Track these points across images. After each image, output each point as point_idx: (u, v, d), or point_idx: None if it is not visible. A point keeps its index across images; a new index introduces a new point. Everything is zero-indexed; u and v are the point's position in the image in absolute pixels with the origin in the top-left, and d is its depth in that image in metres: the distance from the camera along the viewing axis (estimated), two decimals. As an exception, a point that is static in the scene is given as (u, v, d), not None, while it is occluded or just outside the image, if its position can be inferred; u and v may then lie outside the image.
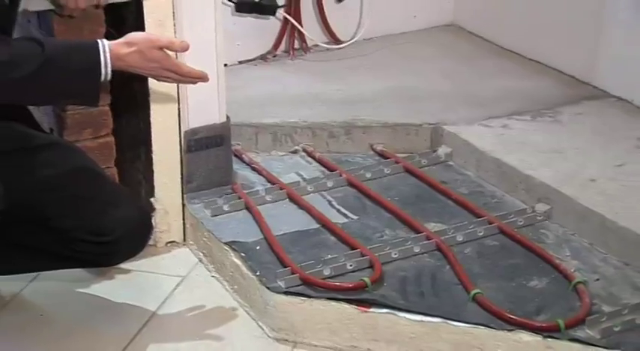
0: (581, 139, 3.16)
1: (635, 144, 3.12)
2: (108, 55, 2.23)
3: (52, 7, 2.48)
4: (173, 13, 2.72)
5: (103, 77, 2.24)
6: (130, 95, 2.80)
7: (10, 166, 2.12)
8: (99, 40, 2.26)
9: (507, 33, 3.98)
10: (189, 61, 2.72)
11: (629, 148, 3.10)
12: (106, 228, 2.40)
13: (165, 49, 2.31)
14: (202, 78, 2.40)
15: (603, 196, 2.79)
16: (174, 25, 2.73)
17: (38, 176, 2.33)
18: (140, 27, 2.68)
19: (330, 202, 2.97)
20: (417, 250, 2.68)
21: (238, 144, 3.21)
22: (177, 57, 2.69)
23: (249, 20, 3.86)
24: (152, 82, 2.72)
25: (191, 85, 2.74)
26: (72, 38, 2.60)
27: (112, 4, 2.61)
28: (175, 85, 2.76)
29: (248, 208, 2.89)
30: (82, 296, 2.68)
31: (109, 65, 2.24)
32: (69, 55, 2.24)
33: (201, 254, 2.86)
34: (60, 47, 2.26)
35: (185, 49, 2.36)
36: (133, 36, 2.30)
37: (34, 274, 2.69)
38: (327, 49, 4.00)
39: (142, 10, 2.68)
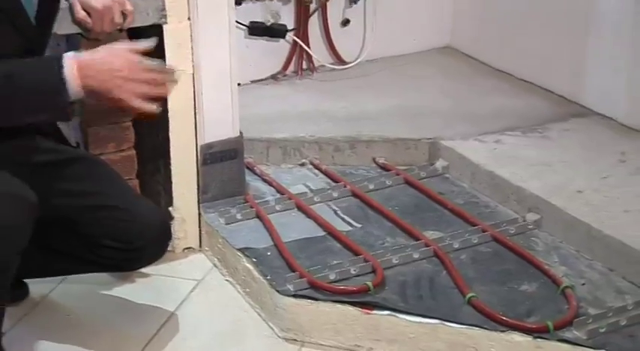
0: (569, 153, 3.16)
1: (618, 158, 3.12)
2: (71, 70, 2.05)
3: (79, 30, 2.48)
4: (191, 36, 2.74)
5: (70, 94, 2.06)
6: (150, 115, 2.79)
7: (42, 177, 2.10)
8: (65, 55, 2.09)
9: (501, 55, 3.98)
10: (206, 80, 2.77)
11: (613, 162, 3.09)
12: (129, 236, 2.38)
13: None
14: (171, 73, 2.20)
15: (589, 206, 2.79)
16: (192, 47, 2.74)
17: (66, 187, 2.33)
18: (160, 49, 2.68)
19: (335, 212, 2.98)
20: (416, 256, 2.68)
21: (250, 157, 3.21)
22: (194, 83, 2.71)
23: (261, 43, 3.87)
24: (171, 101, 2.72)
25: (207, 102, 2.77)
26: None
27: (134, 27, 2.61)
28: (192, 101, 2.78)
29: (259, 216, 2.89)
30: (106, 298, 2.69)
31: (74, 82, 2.05)
32: (26, 74, 2.08)
33: (215, 259, 2.87)
34: (22, 65, 2.11)
35: (152, 46, 2.19)
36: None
37: (62, 277, 2.69)
38: (333, 70, 4.00)
39: (162, 33, 2.69)
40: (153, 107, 2.10)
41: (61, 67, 2.05)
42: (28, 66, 2.11)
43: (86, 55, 2.10)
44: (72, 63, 2.06)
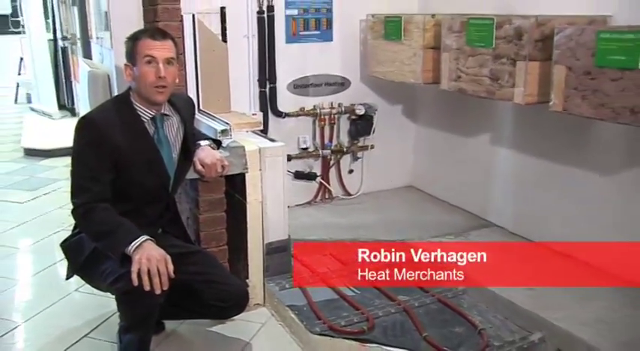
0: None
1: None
2: (134, 247, 2.07)
3: (197, 176, 2.53)
4: (261, 179, 2.77)
5: (125, 251, 2.09)
6: (236, 224, 2.83)
7: (176, 262, 2.13)
8: (142, 236, 2.09)
9: (441, 191, 3.98)
10: (269, 205, 2.77)
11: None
12: (225, 298, 2.39)
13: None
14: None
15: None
16: (261, 186, 2.77)
17: (189, 268, 2.34)
18: (243, 186, 2.73)
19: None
20: (392, 311, 2.67)
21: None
22: (262, 206, 2.70)
23: (302, 183, 3.89)
24: (250, 219, 2.74)
25: (270, 218, 2.75)
26: (209, 193, 2.66)
27: (229, 175, 2.65)
28: (261, 217, 2.76)
29: (299, 286, 2.86)
30: (209, 332, 2.67)
31: (131, 247, 2.08)
32: (121, 229, 2.11)
33: (273, 311, 2.84)
34: (124, 226, 2.12)
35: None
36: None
37: (183, 320, 2.68)
38: (343, 199, 4.00)
39: (244, 178, 2.73)
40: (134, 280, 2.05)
41: (134, 239, 2.08)
42: (126, 228, 2.13)
43: (150, 246, 2.09)
44: (141, 240, 2.08)
